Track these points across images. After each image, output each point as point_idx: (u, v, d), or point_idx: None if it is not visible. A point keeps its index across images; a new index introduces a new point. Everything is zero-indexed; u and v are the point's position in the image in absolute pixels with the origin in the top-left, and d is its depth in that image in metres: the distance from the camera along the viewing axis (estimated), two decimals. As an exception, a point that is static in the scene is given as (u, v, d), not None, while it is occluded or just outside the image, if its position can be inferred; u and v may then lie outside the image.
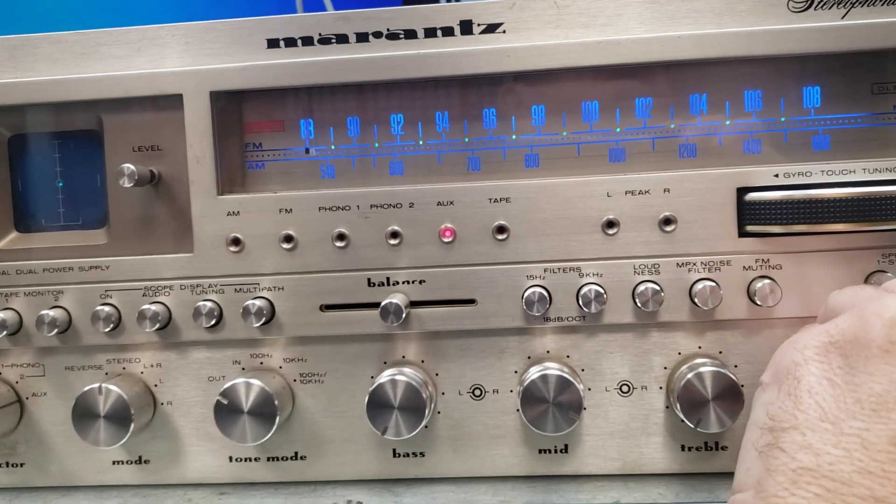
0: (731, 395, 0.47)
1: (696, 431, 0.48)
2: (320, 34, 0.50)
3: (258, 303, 0.50)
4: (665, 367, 0.50)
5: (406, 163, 0.52)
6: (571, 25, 0.49)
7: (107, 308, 0.51)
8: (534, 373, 0.48)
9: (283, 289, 0.51)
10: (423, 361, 0.52)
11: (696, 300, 0.48)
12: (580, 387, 0.48)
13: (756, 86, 0.50)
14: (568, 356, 0.51)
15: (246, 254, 0.51)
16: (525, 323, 0.50)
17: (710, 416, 0.47)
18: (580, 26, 0.49)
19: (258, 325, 0.50)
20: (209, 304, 0.51)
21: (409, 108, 0.52)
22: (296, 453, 0.53)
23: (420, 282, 0.50)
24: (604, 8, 0.49)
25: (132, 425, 0.50)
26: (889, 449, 0.31)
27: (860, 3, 0.47)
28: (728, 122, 0.50)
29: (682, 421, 0.48)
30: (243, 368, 0.52)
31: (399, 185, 0.51)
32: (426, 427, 0.50)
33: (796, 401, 0.35)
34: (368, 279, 0.50)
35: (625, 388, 0.51)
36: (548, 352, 0.51)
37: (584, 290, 0.49)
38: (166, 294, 0.52)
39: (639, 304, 0.49)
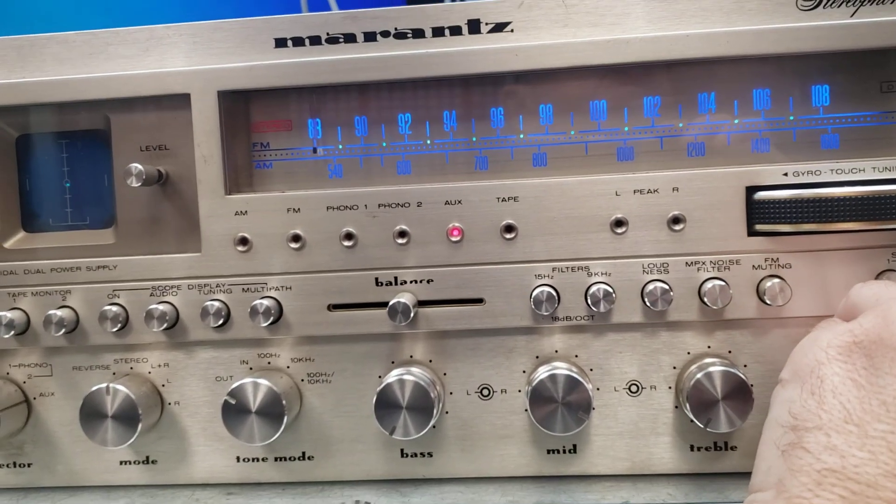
0: (741, 395, 0.46)
1: (705, 431, 0.47)
2: (328, 34, 0.50)
3: (266, 302, 0.50)
4: (674, 367, 0.50)
5: (413, 162, 0.52)
6: (579, 24, 0.49)
7: (114, 308, 0.51)
8: (542, 372, 0.48)
9: (290, 288, 0.51)
10: (431, 361, 0.51)
11: (705, 299, 0.48)
12: (589, 386, 0.47)
13: (764, 84, 0.50)
14: (576, 356, 0.51)
15: (253, 253, 0.51)
16: (533, 322, 0.50)
17: (719, 415, 0.47)
18: (588, 25, 0.49)
19: (266, 324, 0.50)
20: (217, 303, 0.51)
21: (416, 108, 0.52)
22: (303, 453, 0.53)
23: (428, 281, 0.50)
24: (612, 6, 0.49)
25: (140, 425, 0.50)
26: None
27: (869, 1, 0.47)
28: (736, 121, 0.50)
29: (692, 421, 0.48)
30: (251, 368, 0.52)
31: (407, 184, 0.51)
32: (434, 427, 0.50)
33: (820, 400, 0.34)
34: (376, 278, 0.50)
35: (634, 388, 0.50)
36: (556, 351, 0.51)
37: (593, 289, 0.48)
38: (174, 294, 0.51)
39: (648, 304, 0.48)
